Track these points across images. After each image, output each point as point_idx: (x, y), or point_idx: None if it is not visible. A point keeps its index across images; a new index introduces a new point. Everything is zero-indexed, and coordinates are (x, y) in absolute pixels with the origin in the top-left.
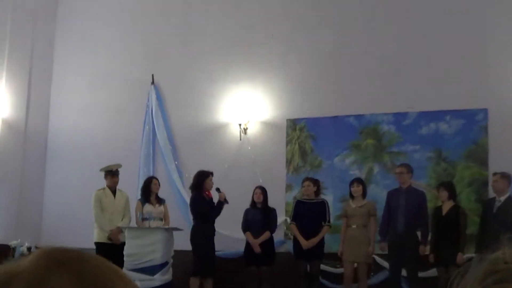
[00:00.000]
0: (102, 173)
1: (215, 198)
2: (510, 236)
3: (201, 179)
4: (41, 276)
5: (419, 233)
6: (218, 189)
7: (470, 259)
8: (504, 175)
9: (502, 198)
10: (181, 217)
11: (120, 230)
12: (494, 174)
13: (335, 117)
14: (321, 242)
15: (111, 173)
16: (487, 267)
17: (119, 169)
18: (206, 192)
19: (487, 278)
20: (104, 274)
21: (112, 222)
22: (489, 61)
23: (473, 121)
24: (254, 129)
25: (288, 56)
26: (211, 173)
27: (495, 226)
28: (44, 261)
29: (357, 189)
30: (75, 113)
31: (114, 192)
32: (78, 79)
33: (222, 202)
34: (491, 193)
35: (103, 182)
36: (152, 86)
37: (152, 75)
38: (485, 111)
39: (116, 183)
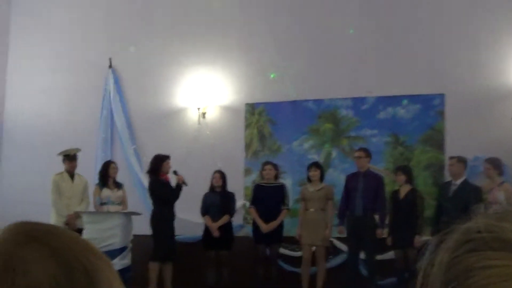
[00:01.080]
0: (60, 158)
1: (173, 182)
2: (478, 207)
3: (158, 163)
4: (10, 250)
5: (376, 217)
6: (175, 172)
7: (426, 242)
8: (460, 159)
9: (458, 182)
10: (139, 202)
11: (77, 215)
12: (451, 158)
13: (294, 101)
14: (280, 226)
15: (69, 158)
16: (459, 237)
17: (77, 154)
18: (164, 176)
19: (459, 248)
20: (76, 248)
21: (69, 207)
22: (446, 47)
23: (430, 106)
24: (212, 114)
25: (247, 40)
26: (168, 157)
27: (451, 209)
28: (13, 236)
29: (314, 173)
30: (32, 96)
31: (72, 176)
32: (35, 62)
33: (181, 184)
34: (447, 177)
35: (61, 167)
36: (110, 70)
37: (110, 59)
38: (441, 96)
39: (75, 167)
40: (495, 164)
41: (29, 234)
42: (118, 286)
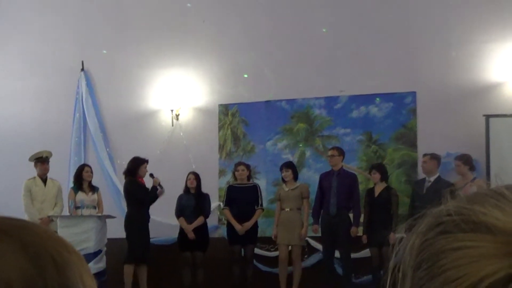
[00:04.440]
0: (32, 162)
1: (149, 185)
2: (452, 190)
3: (136, 165)
4: None
5: (351, 215)
6: (151, 175)
7: (402, 239)
8: (433, 156)
9: (432, 179)
10: (114, 205)
11: (50, 220)
12: (424, 155)
13: (267, 101)
14: (255, 226)
15: (41, 160)
16: (430, 221)
17: (49, 157)
18: (139, 179)
19: (430, 231)
20: (47, 242)
21: (42, 212)
22: (417, 45)
23: (402, 104)
24: (186, 115)
25: (219, 41)
26: (146, 161)
27: (425, 206)
28: None
29: (286, 174)
30: (2, 100)
31: (44, 180)
32: (6, 65)
33: (156, 187)
34: (420, 174)
35: (33, 171)
36: (82, 72)
37: (82, 62)
38: (413, 94)
39: (47, 170)
40: (464, 160)
41: None
42: (90, 281)
